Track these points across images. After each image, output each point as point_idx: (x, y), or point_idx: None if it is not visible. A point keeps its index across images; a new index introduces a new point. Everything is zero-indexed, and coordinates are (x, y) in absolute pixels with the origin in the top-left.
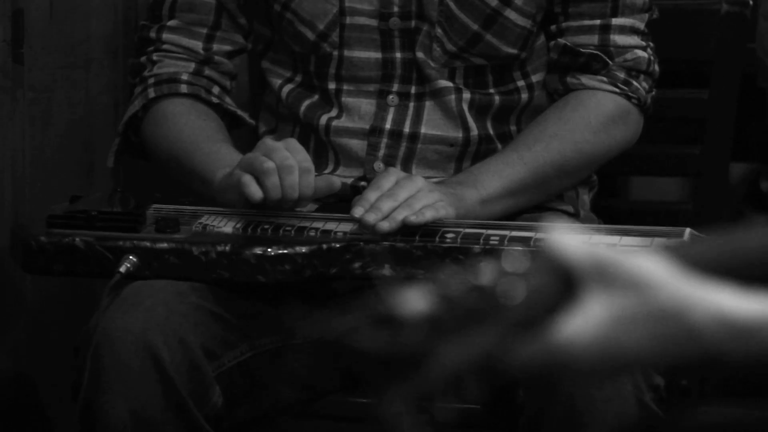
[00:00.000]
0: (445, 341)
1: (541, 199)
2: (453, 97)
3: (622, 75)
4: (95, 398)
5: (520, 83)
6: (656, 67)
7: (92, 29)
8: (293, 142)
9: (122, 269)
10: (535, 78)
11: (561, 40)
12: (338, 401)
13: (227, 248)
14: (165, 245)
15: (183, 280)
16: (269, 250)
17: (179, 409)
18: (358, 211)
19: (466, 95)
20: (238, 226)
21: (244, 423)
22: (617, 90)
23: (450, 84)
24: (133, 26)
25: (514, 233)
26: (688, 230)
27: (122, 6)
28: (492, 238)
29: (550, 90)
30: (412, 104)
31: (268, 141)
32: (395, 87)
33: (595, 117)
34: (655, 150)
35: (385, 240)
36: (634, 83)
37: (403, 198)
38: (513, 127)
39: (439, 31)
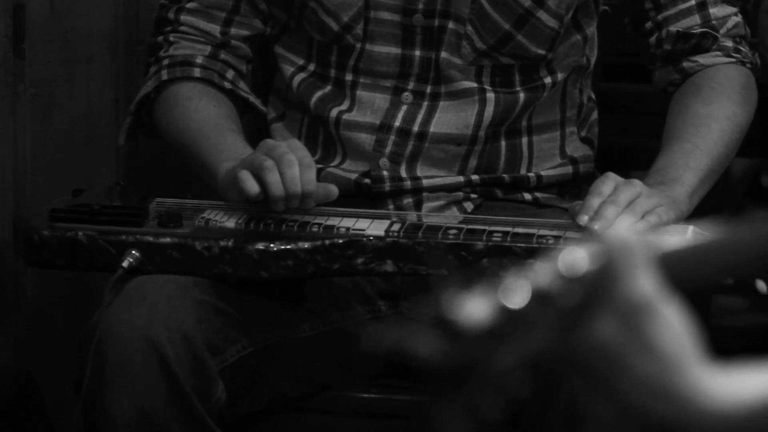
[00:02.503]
0: (500, 345)
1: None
2: (476, 98)
3: (730, 44)
4: (98, 393)
5: (547, 80)
6: (748, 29)
7: (93, 24)
8: (294, 141)
9: (125, 264)
10: (560, 76)
11: (671, 29)
12: (339, 396)
13: (230, 244)
14: (168, 240)
15: (186, 275)
16: (272, 245)
17: (183, 405)
18: (583, 220)
19: (490, 95)
20: (241, 221)
21: (246, 417)
22: (734, 60)
23: (474, 85)
24: (135, 21)
25: (518, 230)
26: (691, 227)
27: (123, 1)
28: (495, 234)
29: (662, 85)
30: (425, 103)
31: (270, 141)
32: (411, 85)
33: (731, 89)
34: (657, 145)
35: (388, 237)
36: (743, 49)
37: (625, 203)
38: (524, 123)
39: (469, 28)
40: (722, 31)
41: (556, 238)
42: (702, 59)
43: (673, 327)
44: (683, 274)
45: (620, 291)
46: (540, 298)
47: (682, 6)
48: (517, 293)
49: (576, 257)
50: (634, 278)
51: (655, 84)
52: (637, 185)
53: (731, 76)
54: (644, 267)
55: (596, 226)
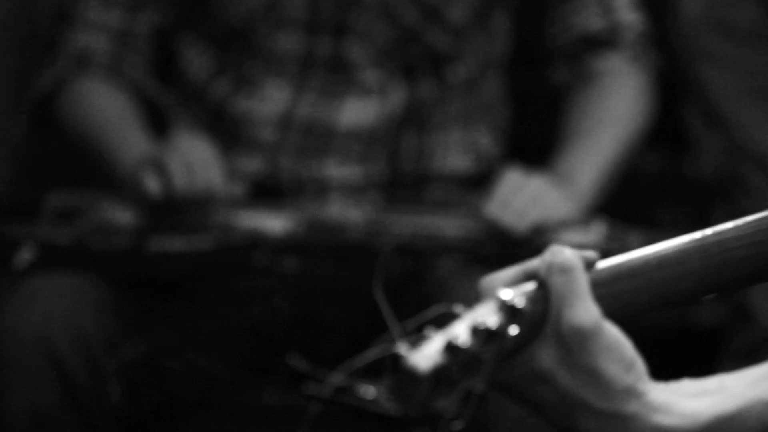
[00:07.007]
0: (448, 383)
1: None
2: (383, 92)
3: (635, 49)
4: None
5: (456, 75)
6: (652, 32)
7: None
8: (197, 139)
9: (18, 262)
10: (470, 71)
11: (572, 30)
12: (238, 394)
13: (127, 243)
14: (63, 238)
15: (82, 273)
16: (170, 244)
17: (78, 405)
18: (489, 212)
19: (397, 89)
20: (140, 217)
21: (144, 417)
22: (636, 64)
23: (380, 79)
24: (30, 13)
25: (424, 226)
26: (599, 221)
27: None
28: (400, 233)
29: (558, 81)
30: (330, 98)
31: (174, 137)
32: (316, 78)
33: (634, 92)
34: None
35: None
36: (645, 52)
37: (531, 196)
38: (432, 118)
39: (376, 22)
40: (627, 35)
41: (464, 237)
42: (603, 61)
43: (614, 350)
44: (617, 298)
45: (558, 319)
46: (482, 333)
47: (592, 9)
48: (460, 333)
49: (514, 292)
50: (571, 306)
51: (549, 79)
52: (542, 179)
53: (631, 78)
54: (581, 294)
55: (505, 218)
